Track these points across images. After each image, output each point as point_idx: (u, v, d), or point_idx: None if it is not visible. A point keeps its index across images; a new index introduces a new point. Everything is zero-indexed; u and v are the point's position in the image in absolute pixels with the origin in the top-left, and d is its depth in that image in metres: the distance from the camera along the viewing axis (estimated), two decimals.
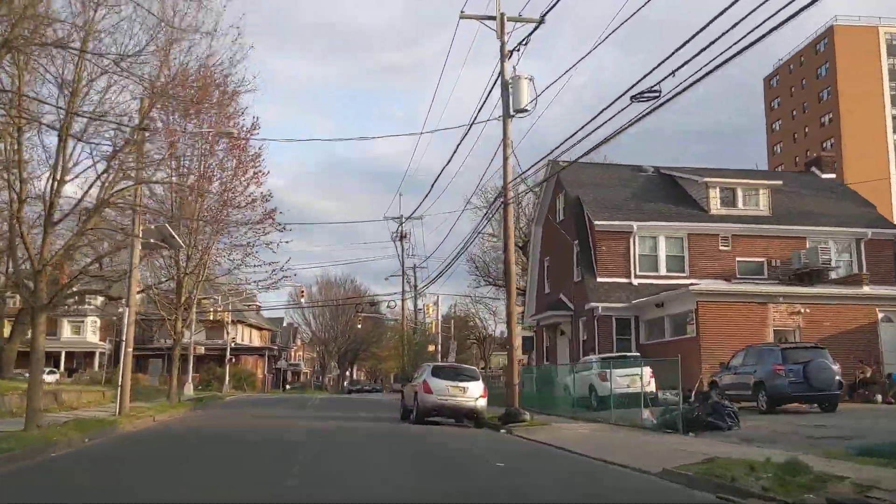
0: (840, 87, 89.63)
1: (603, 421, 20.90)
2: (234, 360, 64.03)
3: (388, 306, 51.60)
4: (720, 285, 27.29)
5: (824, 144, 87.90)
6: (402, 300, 50.03)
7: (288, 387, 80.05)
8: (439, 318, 51.40)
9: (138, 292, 35.32)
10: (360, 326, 74.75)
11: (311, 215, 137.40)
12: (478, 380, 21.86)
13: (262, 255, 30.79)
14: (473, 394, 21.25)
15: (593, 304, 29.25)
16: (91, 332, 71.36)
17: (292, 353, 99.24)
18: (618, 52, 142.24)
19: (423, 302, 58.02)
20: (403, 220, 48.03)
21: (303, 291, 53.64)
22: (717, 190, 31.44)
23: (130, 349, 22.57)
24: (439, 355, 50.72)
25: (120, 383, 22.02)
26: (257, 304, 74.01)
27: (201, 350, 55.99)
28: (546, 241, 36.69)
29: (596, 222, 29.90)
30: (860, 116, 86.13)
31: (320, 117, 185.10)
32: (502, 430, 20.13)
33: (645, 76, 13.20)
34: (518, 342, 22.17)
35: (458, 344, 66.11)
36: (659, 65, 12.81)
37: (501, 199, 22.54)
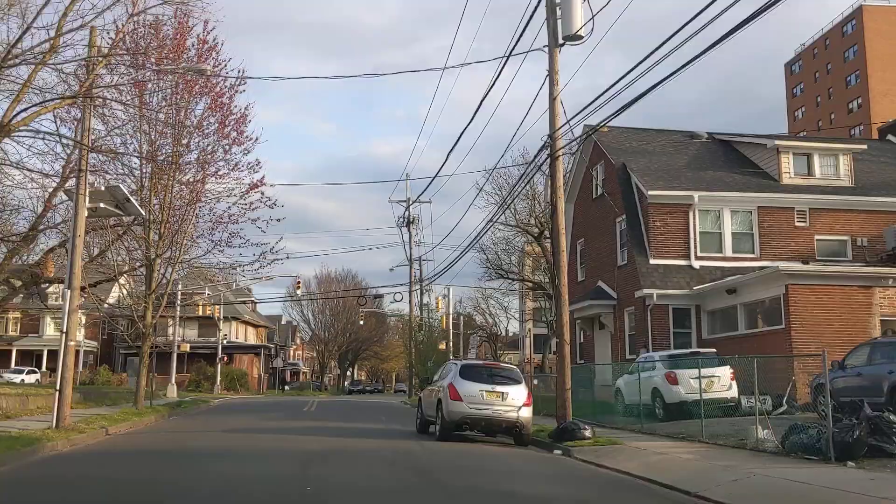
0: (870, 71, 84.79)
1: (687, 437, 15.93)
2: (226, 358, 59.11)
3: (394, 299, 46.70)
4: (815, 266, 22.29)
5: (852, 132, 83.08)
6: (410, 291, 45.04)
7: (287, 387, 75.25)
8: (450, 311, 46.29)
9: (107, 280, 30.55)
10: (362, 323, 69.74)
11: (310, 217, 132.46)
12: (520, 383, 16.83)
13: (251, 236, 26.12)
14: (515, 402, 16.25)
15: (646, 292, 24.22)
16: (77, 330, 66.27)
17: (291, 353, 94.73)
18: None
19: (429, 297, 53.21)
20: (410, 202, 42.98)
21: (299, 283, 48.72)
22: (790, 155, 26.38)
23: (73, 342, 17.71)
24: (451, 354, 45.66)
25: (58, 387, 17.13)
26: (252, 299, 69.25)
27: (186, 347, 50.95)
28: (579, 221, 31.57)
29: (649, 192, 24.82)
30: (892, 101, 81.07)
31: (319, 120, 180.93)
32: (556, 452, 15.16)
33: None
34: (568, 336, 17.15)
35: (463, 343, 61.37)
36: None
37: (547, 152, 17.52)
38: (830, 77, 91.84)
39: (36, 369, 59.59)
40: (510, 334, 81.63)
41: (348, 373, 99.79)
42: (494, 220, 35.04)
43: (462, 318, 64.16)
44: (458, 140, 42.85)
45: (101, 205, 17.96)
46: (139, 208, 18.97)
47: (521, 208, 51.12)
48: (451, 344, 46.28)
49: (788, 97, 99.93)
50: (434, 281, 45.33)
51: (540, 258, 56.77)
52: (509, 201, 37.90)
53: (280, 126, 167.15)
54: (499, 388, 16.32)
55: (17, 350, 63.79)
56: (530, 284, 59.72)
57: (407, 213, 43.81)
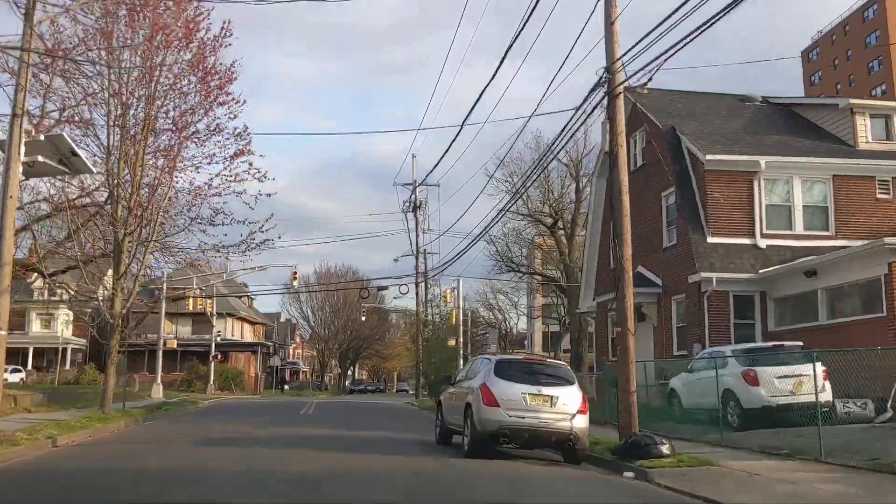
0: (893, 57, 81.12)
1: (792, 454, 12.24)
2: (220, 356, 55.37)
3: (399, 291, 43.00)
4: None
5: None
6: (416, 283, 41.26)
7: (286, 387, 71.65)
8: (461, 305, 42.51)
9: (74, 266, 26.88)
10: (363, 319, 65.95)
11: (309, 216, 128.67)
12: (572, 384, 13.07)
13: (238, 216, 22.54)
14: (568, 408, 12.50)
15: (703, 276, 20.44)
16: (63, 327, 62.84)
17: (290, 351, 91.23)
18: None
19: (437, 291, 49.44)
20: (417, 184, 39.16)
21: (296, 274, 45.04)
22: (867, 117, 22.63)
23: (4, 332, 13.95)
24: (461, 351, 41.89)
25: None
26: (248, 293, 65.59)
27: (174, 344, 47.21)
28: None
29: (707, 157, 21.01)
30: None
31: (319, 117, 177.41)
32: (627, 474, 11.43)
33: None
34: (632, 324, 13.43)
35: (472, 341, 57.62)
36: None
37: (604, 90, 13.75)
38: (851, 64, 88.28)
39: (20, 368, 55.98)
40: (522, 332, 77.78)
41: (349, 372, 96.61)
42: (507, 207, 31.51)
43: (470, 313, 60.40)
44: (477, 100, 37.91)
45: (41, 158, 14.23)
46: (89, 165, 15.20)
47: (535, 196, 47.47)
48: (461, 340, 42.50)
49: (805, 85, 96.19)
50: (442, 271, 41.57)
51: (552, 251, 53.05)
52: (525, 186, 34.39)
53: (279, 124, 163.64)
54: (546, 391, 12.58)
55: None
56: (540, 278, 56.05)
57: (413, 196, 40.01)
